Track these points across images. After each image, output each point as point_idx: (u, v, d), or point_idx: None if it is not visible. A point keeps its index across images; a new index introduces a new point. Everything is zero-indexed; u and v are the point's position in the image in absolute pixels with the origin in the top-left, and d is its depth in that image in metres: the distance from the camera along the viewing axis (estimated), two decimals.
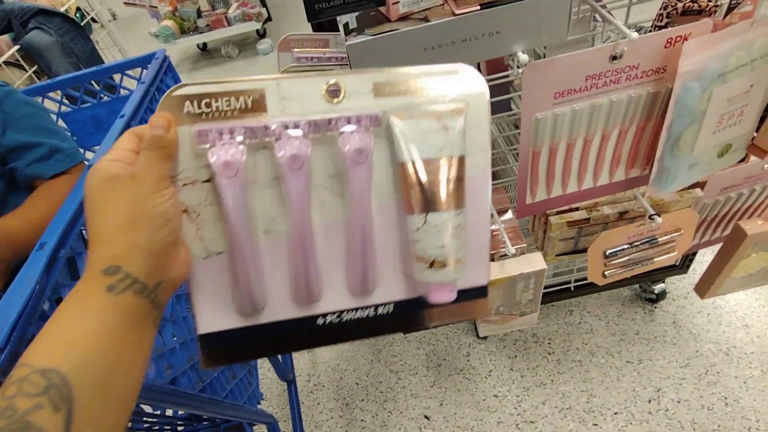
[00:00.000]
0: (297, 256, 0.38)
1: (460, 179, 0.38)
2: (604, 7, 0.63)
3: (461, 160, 0.38)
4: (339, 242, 0.39)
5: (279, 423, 1.34)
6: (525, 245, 0.81)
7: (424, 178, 0.37)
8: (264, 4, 3.11)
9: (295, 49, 0.74)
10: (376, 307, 0.41)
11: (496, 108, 1.14)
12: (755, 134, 0.67)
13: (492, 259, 0.85)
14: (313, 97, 0.36)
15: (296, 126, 0.35)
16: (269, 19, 3.20)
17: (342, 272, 0.40)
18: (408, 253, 0.39)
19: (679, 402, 1.13)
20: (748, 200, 0.84)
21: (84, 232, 0.54)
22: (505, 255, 0.76)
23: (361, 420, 1.25)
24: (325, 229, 0.38)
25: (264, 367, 1.33)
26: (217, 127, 0.35)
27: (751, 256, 0.83)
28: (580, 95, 0.59)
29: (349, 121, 0.36)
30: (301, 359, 1.41)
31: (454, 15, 0.49)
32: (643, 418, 1.12)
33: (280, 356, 1.33)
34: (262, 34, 3.33)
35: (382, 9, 0.53)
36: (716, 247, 0.88)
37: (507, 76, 0.81)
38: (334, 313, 0.40)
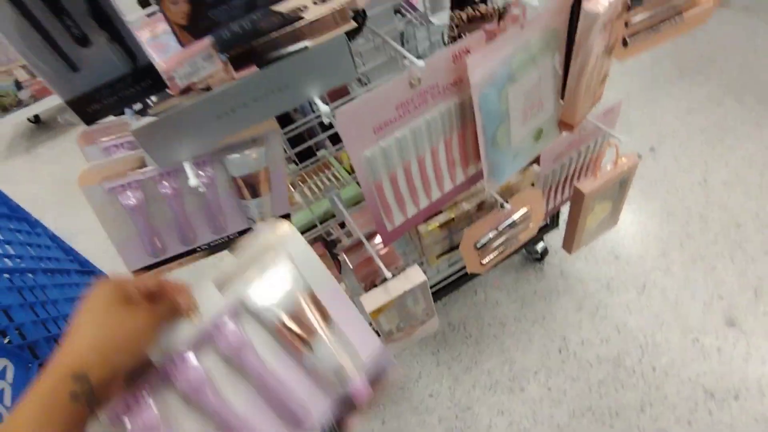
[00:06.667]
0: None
1: (321, 313, 0.47)
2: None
3: (313, 298, 0.47)
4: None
5: None
6: (402, 263, 0.83)
7: (294, 330, 0.46)
8: None
9: (102, 139, 0.67)
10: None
11: None
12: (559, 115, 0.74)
13: (374, 285, 0.86)
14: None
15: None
16: None
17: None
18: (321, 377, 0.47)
19: (582, 343, 1.24)
20: (579, 161, 0.94)
21: None
22: (386, 279, 0.77)
23: None
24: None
25: None
26: None
27: (594, 209, 0.93)
28: (398, 124, 0.60)
29: (218, 329, 0.44)
30: None
31: (234, 79, 0.47)
32: (558, 368, 1.21)
33: None
34: None
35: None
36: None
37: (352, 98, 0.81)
38: None
